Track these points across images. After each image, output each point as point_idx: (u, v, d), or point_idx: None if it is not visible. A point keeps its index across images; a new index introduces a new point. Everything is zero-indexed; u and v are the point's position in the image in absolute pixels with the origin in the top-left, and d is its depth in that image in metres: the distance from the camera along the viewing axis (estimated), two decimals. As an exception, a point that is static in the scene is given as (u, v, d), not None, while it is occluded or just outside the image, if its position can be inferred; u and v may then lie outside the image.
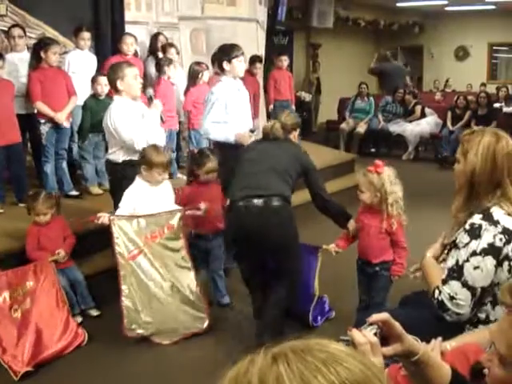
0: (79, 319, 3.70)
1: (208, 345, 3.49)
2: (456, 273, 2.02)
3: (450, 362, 1.62)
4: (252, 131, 4.33)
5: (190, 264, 3.56)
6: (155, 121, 3.93)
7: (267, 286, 3.41)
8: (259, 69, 7.31)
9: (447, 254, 2.14)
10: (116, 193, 3.78)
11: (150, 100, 3.89)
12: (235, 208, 3.23)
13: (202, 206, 3.68)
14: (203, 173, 3.74)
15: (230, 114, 4.31)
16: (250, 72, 7.09)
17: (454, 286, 2.01)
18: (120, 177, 3.74)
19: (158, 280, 3.46)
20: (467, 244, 2.01)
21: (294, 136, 3.68)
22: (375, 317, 1.25)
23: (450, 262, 2.06)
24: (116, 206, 3.62)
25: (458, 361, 1.62)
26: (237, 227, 3.27)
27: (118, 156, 3.80)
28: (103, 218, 3.39)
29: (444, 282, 2.05)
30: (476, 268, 1.98)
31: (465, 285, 1.99)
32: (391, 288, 3.26)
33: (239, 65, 4.27)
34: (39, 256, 3.62)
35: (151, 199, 3.54)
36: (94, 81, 5.07)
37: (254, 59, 7.26)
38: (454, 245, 2.09)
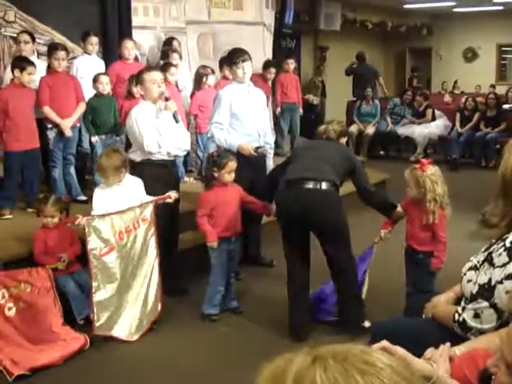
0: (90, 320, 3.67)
1: (211, 348, 3.47)
2: (486, 292, 1.91)
3: (459, 367, 1.61)
4: (258, 147, 4.38)
5: (155, 255, 3.65)
6: (167, 122, 3.95)
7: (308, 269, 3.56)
8: (273, 74, 7.31)
9: (481, 264, 2.01)
10: None
11: (166, 101, 3.94)
12: (287, 188, 3.49)
13: (173, 194, 3.80)
14: (225, 173, 3.73)
15: (237, 117, 4.33)
16: (263, 77, 7.07)
17: (482, 305, 1.92)
18: (138, 176, 3.84)
19: (126, 275, 3.57)
20: (505, 265, 1.87)
21: (342, 143, 4.00)
22: (375, 347, 1.21)
23: (482, 279, 1.94)
24: None
25: (467, 366, 1.61)
26: (285, 206, 3.50)
27: (137, 155, 3.97)
28: (80, 219, 3.51)
29: (473, 298, 1.96)
30: (508, 292, 1.83)
31: (493, 306, 1.89)
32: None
33: (240, 71, 4.35)
34: (46, 260, 3.64)
35: (118, 198, 3.65)
36: (95, 80, 5.08)
37: (267, 64, 7.24)
38: (490, 259, 1.95)
